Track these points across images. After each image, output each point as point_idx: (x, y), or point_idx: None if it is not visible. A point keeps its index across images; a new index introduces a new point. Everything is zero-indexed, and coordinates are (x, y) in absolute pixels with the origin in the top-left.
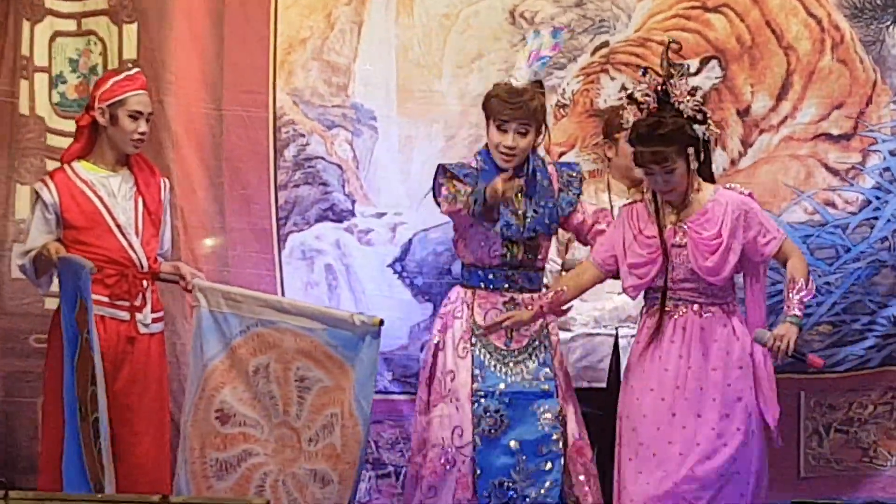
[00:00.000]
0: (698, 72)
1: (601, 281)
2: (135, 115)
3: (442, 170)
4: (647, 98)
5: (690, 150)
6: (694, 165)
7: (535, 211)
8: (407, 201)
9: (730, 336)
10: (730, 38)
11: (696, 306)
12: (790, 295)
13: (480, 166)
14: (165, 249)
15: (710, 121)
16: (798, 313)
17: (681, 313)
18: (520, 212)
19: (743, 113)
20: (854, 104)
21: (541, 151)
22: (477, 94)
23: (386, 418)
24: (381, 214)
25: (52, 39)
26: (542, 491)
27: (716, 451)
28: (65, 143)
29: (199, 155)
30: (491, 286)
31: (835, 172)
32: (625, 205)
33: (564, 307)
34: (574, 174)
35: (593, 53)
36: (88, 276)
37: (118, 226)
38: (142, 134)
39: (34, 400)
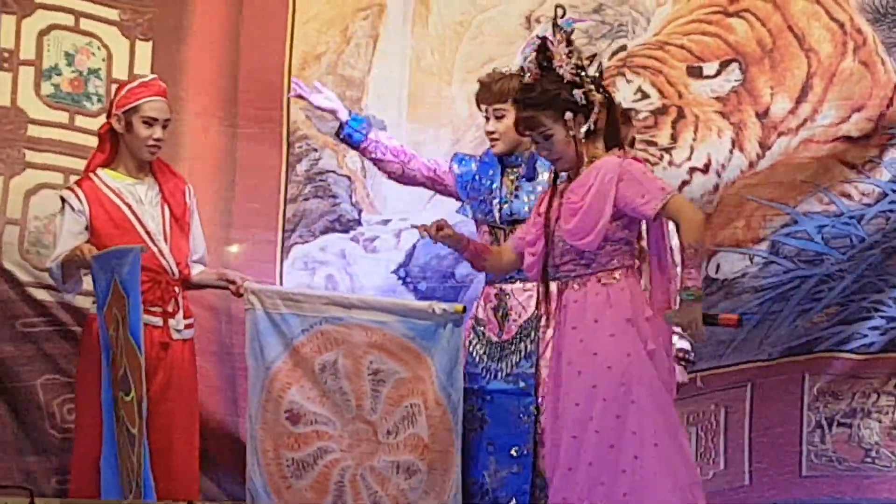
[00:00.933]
0: (717, 74)
1: (517, 266)
2: (149, 122)
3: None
4: (530, 66)
5: (568, 116)
6: (576, 132)
7: (516, 196)
8: (412, 206)
9: (602, 304)
10: (750, 42)
11: (576, 282)
12: (682, 269)
13: (481, 156)
14: (200, 255)
15: (589, 85)
16: (689, 285)
17: (563, 290)
18: (503, 198)
19: (762, 115)
20: (875, 106)
21: None
22: None
23: None
24: (387, 221)
25: (44, 32)
26: (513, 498)
27: (582, 428)
28: (48, 133)
29: (213, 170)
30: (489, 278)
31: (851, 166)
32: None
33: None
34: None
35: (611, 58)
36: (138, 257)
37: (147, 233)
38: (157, 140)
39: (33, 383)
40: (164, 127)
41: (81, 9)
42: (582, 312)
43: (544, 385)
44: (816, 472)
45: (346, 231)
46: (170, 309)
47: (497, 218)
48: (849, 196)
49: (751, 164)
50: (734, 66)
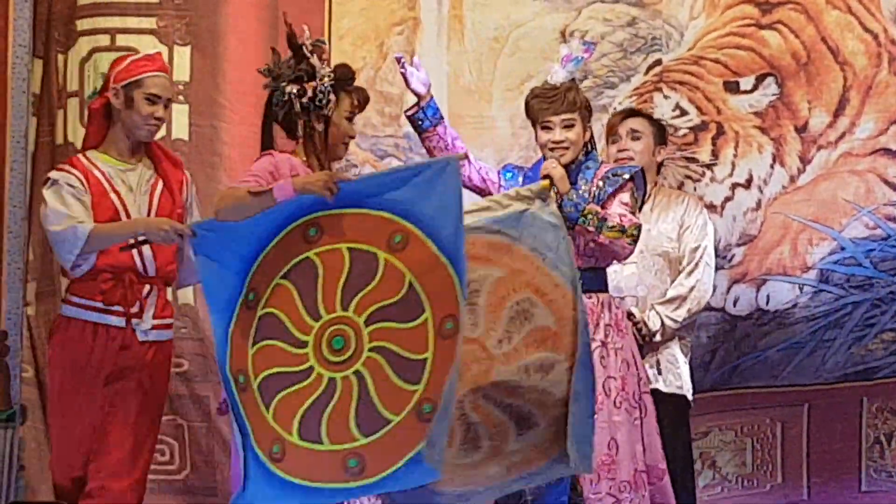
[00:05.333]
0: (754, 89)
1: None
2: (152, 98)
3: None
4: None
5: None
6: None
7: (558, 206)
8: None
9: None
10: (785, 55)
11: None
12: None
13: (527, 171)
14: None
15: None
16: None
17: None
18: None
19: (800, 129)
20: None
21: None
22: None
23: None
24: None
25: (84, 60)
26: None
27: None
28: None
29: None
30: None
31: (894, 187)
32: None
33: None
34: (616, 175)
35: (647, 72)
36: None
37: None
38: (158, 119)
39: None
40: (166, 107)
41: (118, 25)
42: None
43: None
44: (876, 488)
45: None
46: (134, 310)
47: None
48: (894, 219)
49: (792, 179)
50: (770, 80)
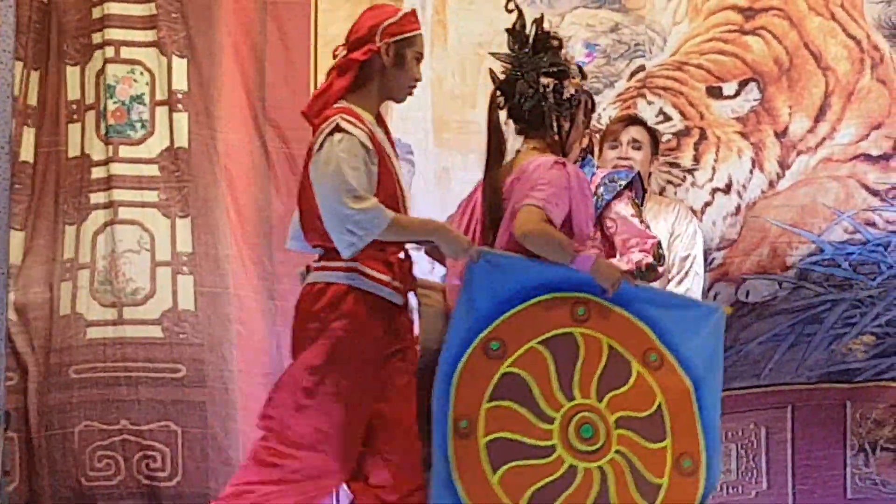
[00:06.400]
0: (737, 94)
1: None
2: (419, 59)
3: None
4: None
5: None
6: None
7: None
8: None
9: None
10: (767, 61)
11: None
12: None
13: None
14: None
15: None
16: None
17: None
18: None
19: (781, 135)
20: (894, 124)
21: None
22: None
23: None
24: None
25: (100, 72)
26: None
27: None
28: (106, 172)
29: (248, 189)
30: None
31: (875, 193)
32: None
33: None
34: (613, 181)
35: (630, 78)
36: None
37: (403, 198)
38: (418, 81)
39: (71, 430)
40: None
41: (122, 37)
42: None
43: None
44: (861, 495)
45: None
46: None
47: None
48: (873, 224)
49: (771, 184)
50: (752, 85)
